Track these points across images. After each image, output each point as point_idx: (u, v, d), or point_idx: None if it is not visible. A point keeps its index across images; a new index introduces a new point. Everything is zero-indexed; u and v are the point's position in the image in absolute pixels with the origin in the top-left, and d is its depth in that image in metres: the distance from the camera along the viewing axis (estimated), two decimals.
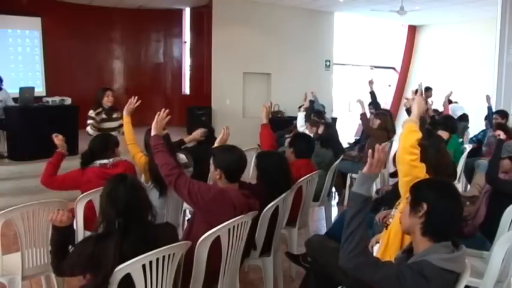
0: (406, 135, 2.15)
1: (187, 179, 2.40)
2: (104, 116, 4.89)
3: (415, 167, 2.11)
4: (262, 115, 3.82)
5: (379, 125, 5.61)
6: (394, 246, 2.07)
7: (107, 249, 1.90)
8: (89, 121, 4.80)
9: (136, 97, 3.80)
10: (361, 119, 6.04)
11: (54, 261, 2.07)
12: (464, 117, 7.82)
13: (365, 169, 1.81)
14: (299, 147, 3.83)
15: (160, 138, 2.65)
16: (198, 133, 4.21)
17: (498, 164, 3.43)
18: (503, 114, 6.24)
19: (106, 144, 3.27)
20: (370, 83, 6.89)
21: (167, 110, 2.79)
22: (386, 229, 2.23)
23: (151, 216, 2.09)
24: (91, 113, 4.83)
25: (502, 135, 3.62)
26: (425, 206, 1.70)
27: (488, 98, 7.04)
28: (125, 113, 3.79)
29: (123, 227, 1.95)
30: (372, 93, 6.88)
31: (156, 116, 2.73)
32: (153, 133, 2.69)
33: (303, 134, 4.54)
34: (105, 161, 3.14)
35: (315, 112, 6.10)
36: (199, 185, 2.38)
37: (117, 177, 2.09)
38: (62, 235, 2.09)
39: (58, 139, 3.26)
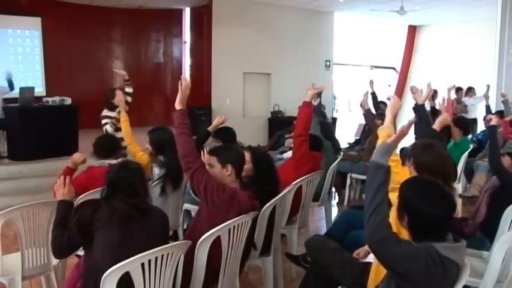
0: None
1: (205, 173, 2.37)
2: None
3: (396, 173, 2.12)
4: (308, 93, 3.77)
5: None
6: None
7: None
8: (106, 120, 4.74)
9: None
10: (364, 114, 6.03)
11: (57, 240, 2.14)
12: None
13: (391, 140, 1.80)
14: (310, 143, 3.82)
15: (186, 116, 2.42)
16: (219, 120, 4.19)
17: (498, 149, 3.44)
18: (502, 114, 6.25)
19: (114, 144, 3.32)
20: (371, 83, 6.88)
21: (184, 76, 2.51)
22: None
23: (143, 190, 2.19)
24: (106, 112, 4.77)
25: (494, 120, 3.75)
26: (406, 218, 1.70)
27: (487, 98, 7.11)
28: (123, 110, 3.74)
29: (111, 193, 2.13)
30: (373, 94, 6.86)
31: (180, 86, 2.45)
32: (177, 107, 2.43)
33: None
34: (114, 161, 3.15)
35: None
36: (217, 182, 2.37)
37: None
38: (65, 211, 2.22)
39: None
